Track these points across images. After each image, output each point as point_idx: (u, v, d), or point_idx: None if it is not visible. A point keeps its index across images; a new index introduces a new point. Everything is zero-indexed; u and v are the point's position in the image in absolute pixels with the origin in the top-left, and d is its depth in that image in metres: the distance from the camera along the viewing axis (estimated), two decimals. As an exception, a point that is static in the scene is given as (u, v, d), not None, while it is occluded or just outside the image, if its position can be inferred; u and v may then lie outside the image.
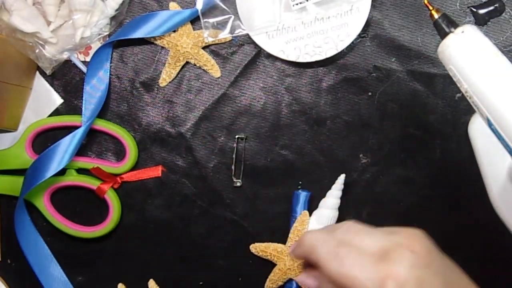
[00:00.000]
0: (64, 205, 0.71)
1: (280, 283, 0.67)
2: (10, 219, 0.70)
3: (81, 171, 0.71)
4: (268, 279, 0.67)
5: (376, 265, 0.50)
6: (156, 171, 0.70)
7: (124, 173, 0.70)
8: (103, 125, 0.69)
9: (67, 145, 0.66)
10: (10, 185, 0.70)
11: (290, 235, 0.66)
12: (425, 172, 0.67)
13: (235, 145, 0.68)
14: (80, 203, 0.71)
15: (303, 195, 0.67)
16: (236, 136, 0.68)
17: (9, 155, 0.70)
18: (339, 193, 0.66)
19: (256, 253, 0.68)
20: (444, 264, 0.52)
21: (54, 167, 0.66)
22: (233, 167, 0.69)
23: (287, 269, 0.66)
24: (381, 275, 0.49)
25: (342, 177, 0.66)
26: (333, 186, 0.66)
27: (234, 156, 0.68)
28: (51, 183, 0.70)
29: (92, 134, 0.70)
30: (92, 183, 0.70)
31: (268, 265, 0.68)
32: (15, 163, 0.70)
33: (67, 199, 0.71)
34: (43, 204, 0.70)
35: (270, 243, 0.67)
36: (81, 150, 0.70)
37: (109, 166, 0.70)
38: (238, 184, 0.69)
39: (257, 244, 0.68)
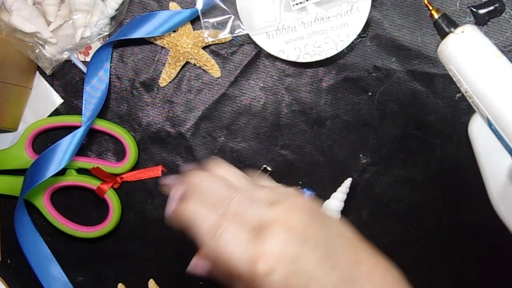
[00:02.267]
0: (64, 205, 0.71)
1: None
2: (10, 219, 0.70)
3: (81, 171, 0.71)
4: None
5: (250, 243, 0.46)
6: (156, 171, 0.70)
7: (124, 173, 0.70)
8: (103, 125, 0.69)
9: (67, 145, 0.66)
10: (10, 185, 0.70)
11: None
12: (425, 172, 0.67)
13: (258, 172, 0.68)
14: (80, 203, 0.71)
15: (307, 194, 0.67)
16: (264, 166, 0.68)
17: (9, 155, 0.70)
18: (344, 197, 0.66)
19: None
20: (328, 235, 0.47)
21: (54, 167, 0.66)
22: None
23: None
24: (253, 255, 0.45)
25: (348, 181, 0.66)
26: (339, 189, 0.66)
27: None
28: (51, 183, 0.70)
29: (92, 134, 0.70)
30: (92, 183, 0.70)
31: (268, 265, 0.68)
32: (15, 163, 0.70)
33: (67, 199, 0.71)
34: (43, 204, 0.70)
35: None
36: (81, 150, 0.70)
37: (109, 166, 0.70)
38: None
39: None
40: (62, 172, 0.69)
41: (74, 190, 0.71)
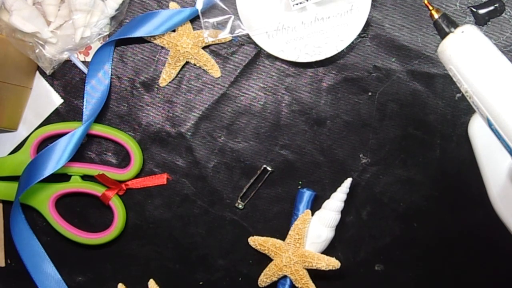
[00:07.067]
0: (69, 211, 0.71)
1: (275, 279, 0.67)
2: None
3: (86, 177, 0.70)
4: (263, 273, 0.67)
5: None
6: (161, 179, 0.70)
7: (129, 180, 0.70)
8: (108, 131, 0.69)
9: (65, 144, 0.66)
10: (15, 191, 0.69)
11: (290, 232, 0.66)
12: (425, 172, 0.67)
13: (258, 172, 0.68)
14: (85, 209, 0.71)
15: (307, 194, 0.67)
16: (264, 166, 0.68)
17: (14, 161, 0.70)
18: (344, 197, 0.66)
19: (254, 246, 0.67)
20: None
21: (51, 166, 0.65)
22: (245, 189, 0.69)
23: (283, 266, 0.66)
24: None
25: (348, 181, 0.66)
26: (339, 189, 0.66)
27: (252, 180, 0.68)
28: (56, 189, 0.69)
29: (94, 138, 0.70)
30: (97, 190, 0.69)
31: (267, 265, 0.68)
32: (19, 169, 0.69)
33: (72, 206, 0.71)
34: (48, 210, 0.70)
35: (269, 238, 0.67)
36: (82, 153, 0.70)
37: (114, 173, 0.69)
38: (240, 206, 0.69)
39: (256, 237, 0.68)
40: (67, 179, 0.69)
41: (79, 197, 0.71)
